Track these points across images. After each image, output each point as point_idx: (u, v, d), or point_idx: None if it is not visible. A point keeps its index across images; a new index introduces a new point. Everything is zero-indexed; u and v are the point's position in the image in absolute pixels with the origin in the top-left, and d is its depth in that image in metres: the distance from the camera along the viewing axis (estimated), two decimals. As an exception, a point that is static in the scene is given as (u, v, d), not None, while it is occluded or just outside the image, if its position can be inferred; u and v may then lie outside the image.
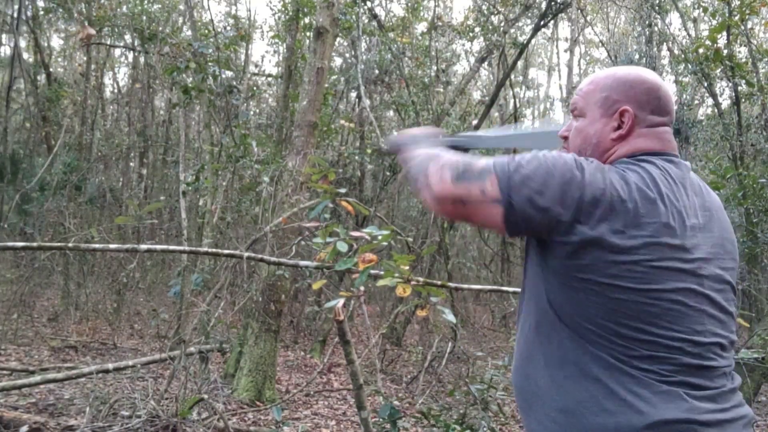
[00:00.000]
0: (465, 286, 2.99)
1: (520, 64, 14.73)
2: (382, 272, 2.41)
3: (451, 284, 2.72)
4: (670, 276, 1.11)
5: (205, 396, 4.32)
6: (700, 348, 1.12)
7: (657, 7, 11.37)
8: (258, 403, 5.41)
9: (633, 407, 1.07)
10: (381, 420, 3.39)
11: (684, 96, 12.28)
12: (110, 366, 5.40)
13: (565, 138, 1.39)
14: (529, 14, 11.96)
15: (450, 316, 2.34)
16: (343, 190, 2.72)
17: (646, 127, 1.29)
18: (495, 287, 2.88)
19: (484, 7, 11.66)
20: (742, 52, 9.12)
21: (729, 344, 1.18)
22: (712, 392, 1.11)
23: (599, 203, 1.10)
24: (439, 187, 1.17)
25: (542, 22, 11.65)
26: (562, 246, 1.12)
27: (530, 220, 1.12)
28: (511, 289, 3.06)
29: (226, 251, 3.53)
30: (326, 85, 7.67)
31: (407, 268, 2.36)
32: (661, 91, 1.31)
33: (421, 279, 2.46)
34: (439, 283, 2.55)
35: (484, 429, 3.63)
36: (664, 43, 12.68)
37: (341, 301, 2.57)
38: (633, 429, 1.06)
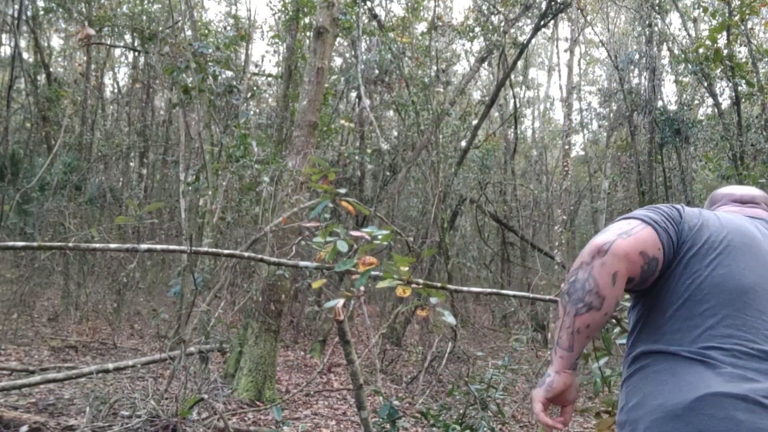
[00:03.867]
0: (465, 288, 2.98)
1: (520, 64, 14.73)
2: (381, 274, 2.41)
3: (450, 287, 2.72)
4: None
5: (205, 396, 4.32)
6: None
7: (657, 7, 11.37)
8: (258, 403, 5.41)
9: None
10: (381, 420, 3.39)
11: (684, 96, 12.28)
12: (110, 366, 5.40)
13: None
14: (529, 14, 11.95)
15: (450, 319, 2.34)
16: (343, 191, 2.72)
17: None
18: (494, 290, 2.87)
19: (484, 7, 11.66)
20: (742, 52, 9.12)
21: None
22: None
23: None
24: None
25: (542, 22, 11.65)
26: None
27: None
28: (510, 293, 3.05)
29: (227, 251, 3.53)
30: (326, 85, 7.67)
31: (407, 269, 2.36)
32: (713, 194, 1.68)
33: (420, 281, 2.46)
34: (438, 285, 2.55)
35: (484, 429, 3.63)
36: (664, 43, 12.68)
37: (341, 301, 2.57)
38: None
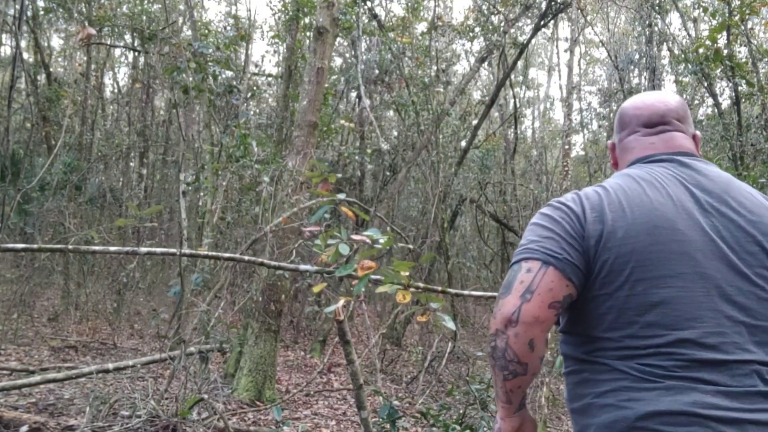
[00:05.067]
0: (465, 292, 2.99)
1: (520, 64, 14.72)
2: (381, 278, 2.41)
3: (451, 290, 2.72)
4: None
5: (205, 396, 4.32)
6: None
7: (657, 7, 11.37)
8: (258, 403, 5.41)
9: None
10: (381, 420, 3.39)
11: (684, 96, 12.28)
12: (110, 366, 5.40)
13: None
14: (529, 14, 11.95)
15: (450, 324, 2.34)
16: (342, 195, 2.72)
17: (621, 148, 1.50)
18: (495, 294, 2.87)
19: (484, 7, 11.66)
20: (742, 52, 9.12)
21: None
22: (732, 389, 1.09)
23: None
24: None
25: (542, 22, 11.65)
26: None
27: None
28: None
29: (227, 254, 3.53)
30: (326, 85, 7.67)
31: (407, 274, 2.36)
32: (622, 110, 1.51)
33: (420, 285, 2.46)
34: (439, 289, 2.55)
35: (484, 429, 3.63)
36: (664, 43, 12.68)
37: (341, 303, 2.57)
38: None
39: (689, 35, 12.12)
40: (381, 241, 2.43)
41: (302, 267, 2.94)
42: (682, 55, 9.98)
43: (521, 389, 1.28)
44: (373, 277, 2.38)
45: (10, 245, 3.36)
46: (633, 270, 1.17)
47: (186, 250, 3.01)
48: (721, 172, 1.33)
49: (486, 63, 13.90)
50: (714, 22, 7.89)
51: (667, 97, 1.46)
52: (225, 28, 13.06)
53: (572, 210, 1.26)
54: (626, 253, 1.17)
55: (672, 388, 1.09)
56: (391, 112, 13.97)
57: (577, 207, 1.26)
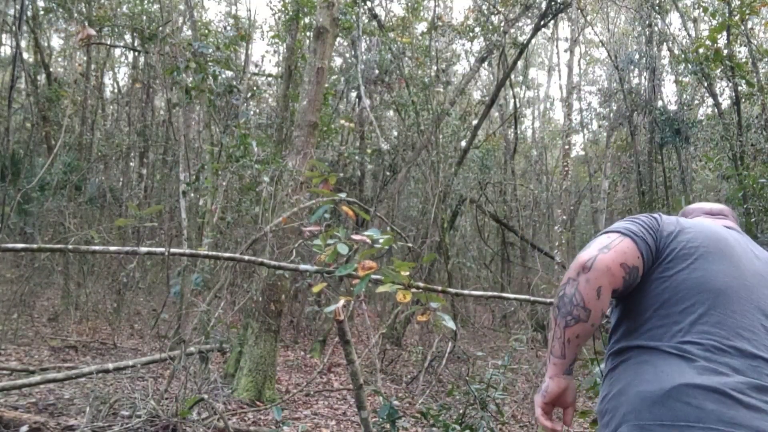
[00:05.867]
0: (465, 292, 2.98)
1: (520, 64, 14.73)
2: (381, 277, 2.41)
3: (451, 290, 2.72)
4: None
5: (205, 396, 4.32)
6: None
7: (657, 7, 11.37)
8: (258, 403, 5.41)
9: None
10: (381, 420, 3.39)
11: (684, 96, 12.28)
12: (110, 366, 5.40)
13: None
14: (529, 14, 11.95)
15: (450, 323, 2.35)
16: (343, 195, 2.72)
17: None
18: (495, 294, 2.87)
19: (484, 7, 11.66)
20: (742, 52, 9.11)
21: None
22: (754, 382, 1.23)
23: None
24: None
25: (542, 22, 11.66)
26: None
27: None
28: (512, 296, 3.04)
29: (227, 254, 3.53)
30: (326, 85, 7.67)
31: (407, 274, 2.36)
32: (685, 211, 1.83)
33: (421, 285, 2.46)
34: (439, 288, 2.55)
35: (484, 429, 3.63)
36: (664, 43, 12.68)
37: (341, 303, 2.57)
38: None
39: (689, 35, 12.12)
40: (381, 240, 2.43)
41: (302, 267, 2.94)
42: (682, 55, 9.98)
43: (579, 339, 1.38)
44: (373, 277, 2.38)
45: (10, 245, 3.36)
46: (695, 260, 1.36)
47: (175, 250, 3.01)
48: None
49: (486, 63, 13.90)
50: (714, 22, 7.89)
51: (722, 207, 1.78)
52: (225, 28, 13.07)
53: (651, 215, 1.50)
54: (692, 248, 1.38)
55: (706, 368, 1.22)
56: (391, 112, 13.97)
57: (655, 215, 1.52)
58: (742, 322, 1.29)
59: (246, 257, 3.44)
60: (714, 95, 10.03)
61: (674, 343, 1.28)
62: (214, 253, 3.95)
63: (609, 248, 1.36)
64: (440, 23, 11.82)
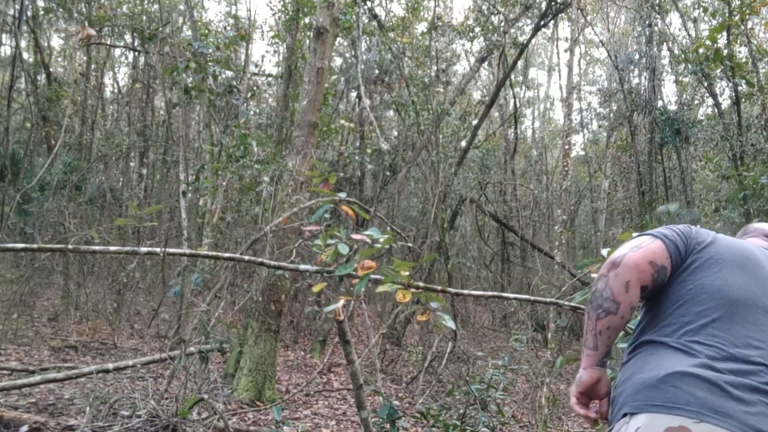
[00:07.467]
0: (465, 291, 2.97)
1: (520, 64, 14.72)
2: (381, 277, 2.40)
3: (451, 290, 2.71)
4: None
5: (205, 396, 4.32)
6: None
7: (657, 7, 11.37)
8: (258, 403, 5.41)
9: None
10: (381, 420, 3.39)
11: (684, 96, 12.28)
12: (110, 366, 5.40)
13: None
14: (529, 14, 11.96)
15: (450, 323, 2.35)
16: (343, 194, 2.72)
17: None
18: (495, 294, 2.87)
19: (484, 7, 11.66)
20: (742, 52, 9.11)
21: None
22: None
23: None
24: None
25: (542, 22, 11.66)
26: None
27: None
28: (511, 296, 3.03)
29: (227, 254, 3.53)
30: (326, 85, 7.67)
31: (407, 274, 2.36)
32: (746, 229, 1.87)
33: (421, 284, 2.46)
34: (439, 288, 2.55)
35: (484, 429, 3.63)
36: (664, 43, 12.68)
37: (341, 303, 2.57)
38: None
39: (689, 35, 12.13)
40: (381, 240, 2.43)
41: (302, 267, 2.94)
42: (682, 55, 9.98)
43: (610, 331, 1.47)
44: (373, 276, 2.38)
45: (10, 245, 3.36)
46: (719, 270, 1.43)
47: (173, 249, 3.01)
48: None
49: (486, 63, 13.89)
50: (714, 22, 7.89)
51: None
52: (225, 28, 13.07)
53: (688, 225, 1.58)
54: (719, 259, 1.46)
55: (704, 364, 1.28)
56: (391, 112, 13.97)
57: (692, 226, 1.59)
58: (755, 334, 1.35)
59: (246, 257, 3.44)
60: (714, 95, 10.04)
61: (682, 340, 1.35)
62: (213, 253, 3.96)
63: (639, 247, 1.45)
64: (440, 23, 11.81)
